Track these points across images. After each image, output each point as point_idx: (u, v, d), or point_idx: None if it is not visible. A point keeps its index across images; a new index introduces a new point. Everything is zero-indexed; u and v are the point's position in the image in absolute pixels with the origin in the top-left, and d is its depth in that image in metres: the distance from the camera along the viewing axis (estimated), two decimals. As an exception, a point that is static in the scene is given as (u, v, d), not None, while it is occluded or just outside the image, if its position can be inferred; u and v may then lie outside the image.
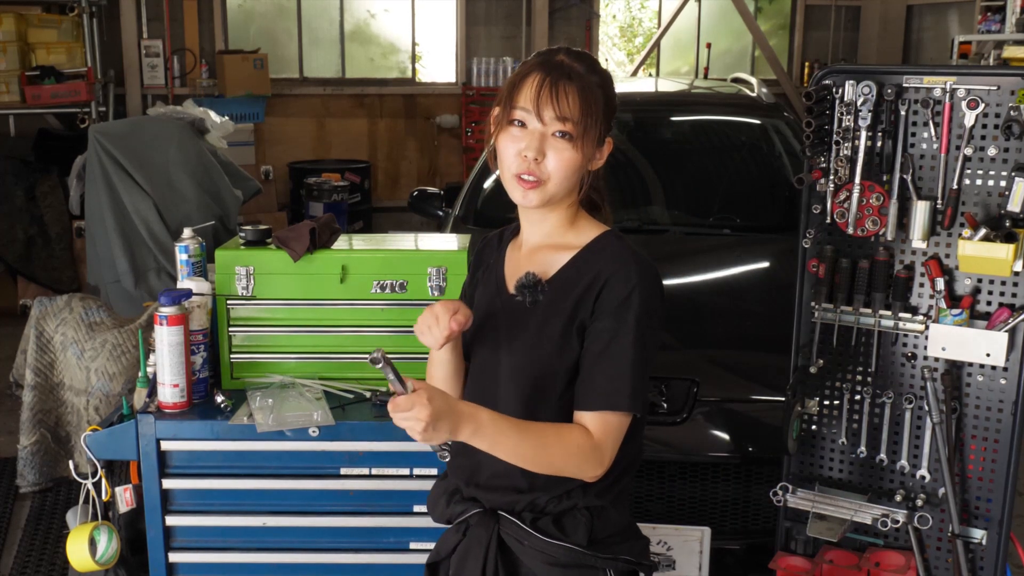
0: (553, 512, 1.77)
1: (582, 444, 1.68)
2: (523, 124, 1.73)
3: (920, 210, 2.40)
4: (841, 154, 2.42)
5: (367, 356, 1.53)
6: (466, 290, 1.98)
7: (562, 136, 1.72)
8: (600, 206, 1.89)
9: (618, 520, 1.82)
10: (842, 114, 2.41)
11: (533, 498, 1.77)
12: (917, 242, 2.43)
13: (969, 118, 2.35)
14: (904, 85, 2.41)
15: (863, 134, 2.41)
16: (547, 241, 1.83)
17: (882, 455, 2.55)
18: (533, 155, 1.72)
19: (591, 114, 1.72)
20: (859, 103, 2.41)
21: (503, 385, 1.79)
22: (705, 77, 9.54)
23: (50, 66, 6.84)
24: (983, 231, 2.31)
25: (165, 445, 2.45)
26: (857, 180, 2.42)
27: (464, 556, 1.82)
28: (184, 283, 2.63)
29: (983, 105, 2.33)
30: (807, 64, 10.17)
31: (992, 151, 2.35)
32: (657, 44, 9.83)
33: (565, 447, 1.68)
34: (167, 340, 2.41)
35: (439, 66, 9.57)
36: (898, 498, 2.52)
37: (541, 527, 1.76)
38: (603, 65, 1.83)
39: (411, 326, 2.56)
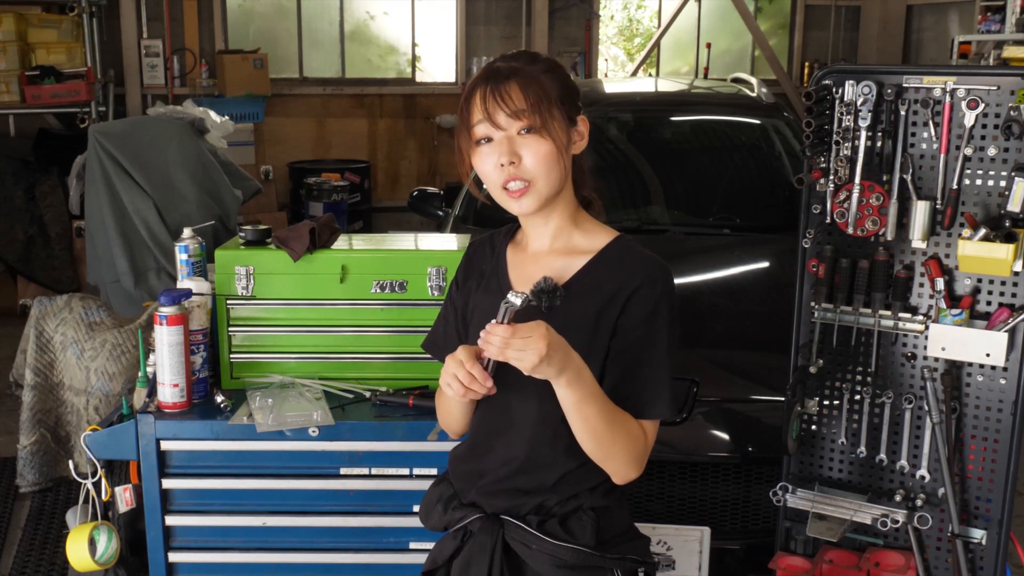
0: (559, 514, 1.77)
1: (637, 441, 1.71)
2: (488, 139, 1.72)
3: (920, 210, 2.40)
4: (841, 154, 2.42)
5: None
6: (454, 298, 1.92)
7: (527, 132, 1.70)
8: (592, 201, 1.87)
9: (621, 520, 1.83)
10: (842, 114, 2.41)
11: (540, 500, 1.77)
12: (917, 242, 2.43)
13: (969, 118, 2.35)
14: (904, 85, 2.40)
15: (863, 134, 2.41)
16: (555, 245, 1.81)
17: (882, 455, 2.55)
18: (508, 159, 1.70)
19: (543, 99, 1.70)
20: (859, 103, 2.41)
21: (515, 392, 1.75)
22: (705, 77, 9.54)
23: (50, 66, 6.84)
24: (983, 231, 2.30)
25: (165, 445, 2.45)
26: (857, 180, 2.41)
27: (467, 563, 1.81)
28: (184, 283, 2.63)
29: (983, 105, 2.33)
30: (807, 64, 10.16)
31: (992, 151, 2.35)
32: (657, 44, 9.83)
33: (626, 435, 1.70)
34: (167, 340, 2.41)
35: (439, 66, 9.57)
36: (898, 498, 2.52)
37: (548, 530, 1.76)
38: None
39: (411, 326, 2.61)
